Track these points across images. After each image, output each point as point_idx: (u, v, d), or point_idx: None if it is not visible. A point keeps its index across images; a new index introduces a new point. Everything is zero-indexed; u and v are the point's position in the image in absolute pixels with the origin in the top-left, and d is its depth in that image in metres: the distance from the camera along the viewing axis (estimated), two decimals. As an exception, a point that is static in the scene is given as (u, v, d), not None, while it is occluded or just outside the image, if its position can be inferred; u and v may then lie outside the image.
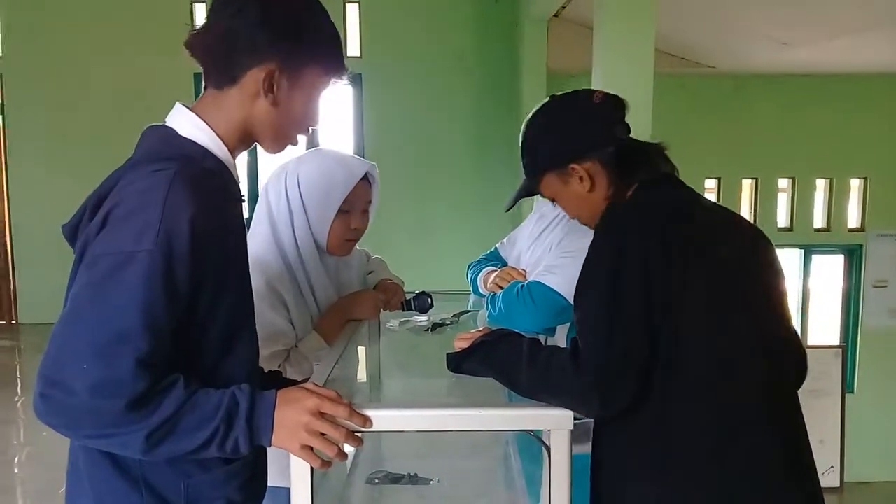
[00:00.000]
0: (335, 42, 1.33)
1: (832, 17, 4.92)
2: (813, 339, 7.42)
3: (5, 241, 6.53)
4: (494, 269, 2.24)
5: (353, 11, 6.36)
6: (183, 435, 1.13)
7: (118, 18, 6.05)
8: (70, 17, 6.20)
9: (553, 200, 1.62)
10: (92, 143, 5.44)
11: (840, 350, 5.82)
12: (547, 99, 1.62)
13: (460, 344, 1.49)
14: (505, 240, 2.38)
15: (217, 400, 1.16)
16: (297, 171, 1.85)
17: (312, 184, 1.83)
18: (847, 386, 6.20)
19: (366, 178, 1.91)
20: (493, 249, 2.40)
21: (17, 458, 4.15)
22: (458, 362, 1.45)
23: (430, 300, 2.11)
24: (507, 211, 1.80)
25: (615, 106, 1.56)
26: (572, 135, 1.54)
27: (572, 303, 1.38)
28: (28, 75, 6.25)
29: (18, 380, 5.37)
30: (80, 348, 1.09)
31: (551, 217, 2.10)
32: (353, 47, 6.41)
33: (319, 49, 1.30)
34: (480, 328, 1.55)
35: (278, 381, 1.50)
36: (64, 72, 6.23)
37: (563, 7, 5.14)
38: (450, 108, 6.47)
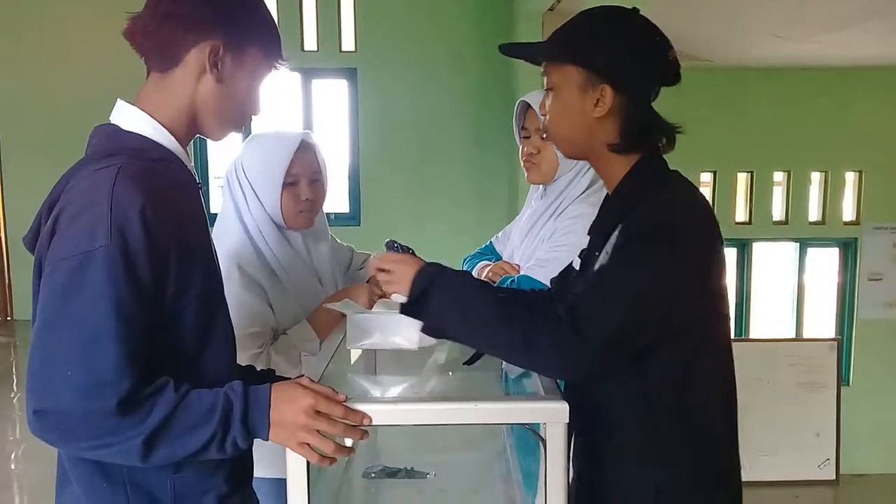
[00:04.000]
0: (274, 26, 1.35)
1: (828, 11, 4.92)
2: (808, 332, 7.44)
3: (0, 237, 6.52)
4: (489, 262, 2.23)
5: (347, 5, 6.33)
6: (179, 438, 1.14)
7: (119, 17, 6.01)
8: (69, 14, 6.17)
9: (549, 90, 1.45)
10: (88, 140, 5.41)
11: (835, 343, 5.83)
12: (632, 8, 1.43)
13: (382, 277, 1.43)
14: (500, 233, 2.38)
15: (211, 401, 1.16)
16: (241, 158, 1.92)
17: (254, 166, 1.89)
18: (843, 378, 6.21)
19: (307, 149, 1.92)
20: (487, 243, 2.40)
21: (13, 455, 4.15)
22: (417, 308, 1.36)
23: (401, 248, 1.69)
24: (501, 50, 1.52)
25: (675, 75, 1.41)
26: (633, 62, 1.38)
27: (599, 265, 1.35)
28: (23, 72, 6.23)
29: (14, 376, 5.36)
30: (60, 357, 1.10)
31: (542, 211, 2.09)
32: (347, 41, 6.38)
33: (260, 30, 1.32)
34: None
35: (271, 378, 1.49)
36: (61, 68, 6.20)
37: (558, 1, 5.14)
38: (445, 103, 6.45)
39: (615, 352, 1.27)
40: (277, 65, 1.36)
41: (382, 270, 1.45)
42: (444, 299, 1.34)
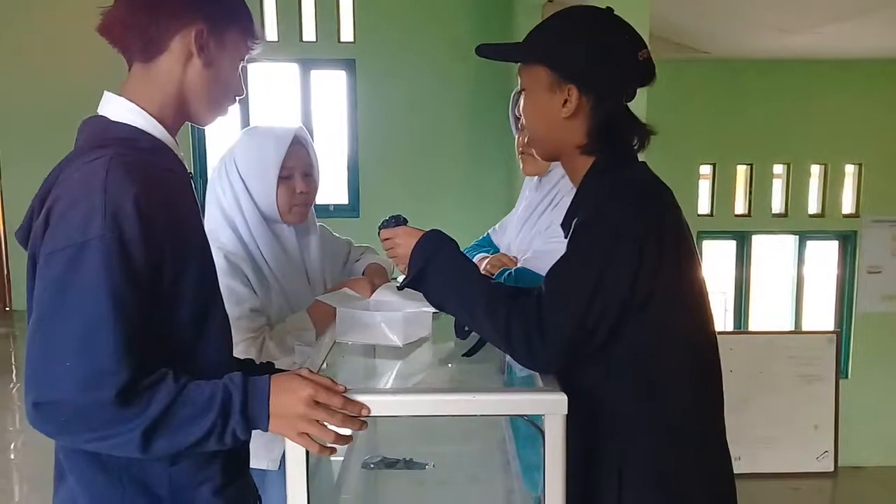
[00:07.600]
0: (247, 6, 1.36)
1: (828, 3, 4.91)
2: (807, 324, 7.45)
3: (-2, 228, 6.52)
4: (486, 255, 2.23)
5: (347, -4, 6.32)
6: (179, 430, 1.14)
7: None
8: (64, 8, 6.14)
9: (521, 91, 1.50)
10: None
11: (834, 336, 5.83)
12: (604, 8, 1.45)
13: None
14: (497, 226, 2.38)
15: (210, 392, 1.16)
16: (233, 155, 1.92)
17: (248, 162, 1.90)
18: (841, 371, 6.22)
19: (300, 144, 1.94)
20: (485, 235, 2.40)
21: (13, 445, 4.15)
22: (416, 286, 1.44)
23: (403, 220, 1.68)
24: (477, 52, 1.51)
25: (647, 75, 1.44)
26: (599, 62, 1.39)
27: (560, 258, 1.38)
28: (20, 61, 6.21)
29: (13, 366, 5.36)
30: (58, 348, 1.09)
31: (537, 202, 2.09)
32: (346, 32, 6.37)
33: (237, 11, 1.33)
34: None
35: (270, 370, 1.50)
36: (58, 57, 6.18)
37: (558, -8, 5.13)
38: (444, 95, 6.43)
39: (582, 344, 1.32)
40: (252, 44, 1.36)
41: (388, 240, 1.53)
42: (439, 282, 1.41)
